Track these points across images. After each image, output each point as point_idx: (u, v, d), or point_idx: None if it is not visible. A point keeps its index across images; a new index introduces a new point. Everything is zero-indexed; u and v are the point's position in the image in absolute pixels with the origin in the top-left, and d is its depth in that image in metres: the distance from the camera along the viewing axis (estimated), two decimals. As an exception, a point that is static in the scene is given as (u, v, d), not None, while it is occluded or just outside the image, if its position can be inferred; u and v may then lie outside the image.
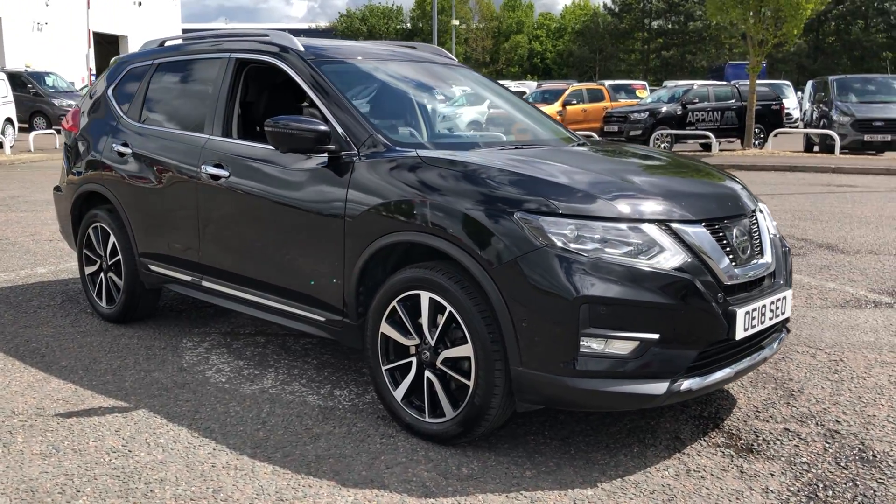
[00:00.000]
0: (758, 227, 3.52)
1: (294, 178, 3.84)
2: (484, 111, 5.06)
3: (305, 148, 3.69)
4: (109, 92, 5.27)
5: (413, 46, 5.14)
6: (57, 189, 5.64)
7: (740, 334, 3.16)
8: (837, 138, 18.24)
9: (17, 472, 3.10)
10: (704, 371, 3.13)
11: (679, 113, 21.09)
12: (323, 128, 3.66)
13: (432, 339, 3.31)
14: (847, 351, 4.59)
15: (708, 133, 19.74)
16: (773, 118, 21.53)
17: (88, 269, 5.29)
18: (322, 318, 3.81)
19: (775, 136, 20.31)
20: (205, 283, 4.45)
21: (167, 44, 5.16)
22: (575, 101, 25.54)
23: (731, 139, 21.25)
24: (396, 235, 3.39)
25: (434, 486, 3.00)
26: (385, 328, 3.48)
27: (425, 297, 3.30)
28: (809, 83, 25.33)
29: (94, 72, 36.29)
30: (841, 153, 18.19)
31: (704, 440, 3.43)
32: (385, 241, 3.43)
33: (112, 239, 5.01)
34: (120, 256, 4.98)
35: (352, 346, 3.82)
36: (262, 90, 4.75)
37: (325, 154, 3.71)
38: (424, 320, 3.33)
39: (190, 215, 4.42)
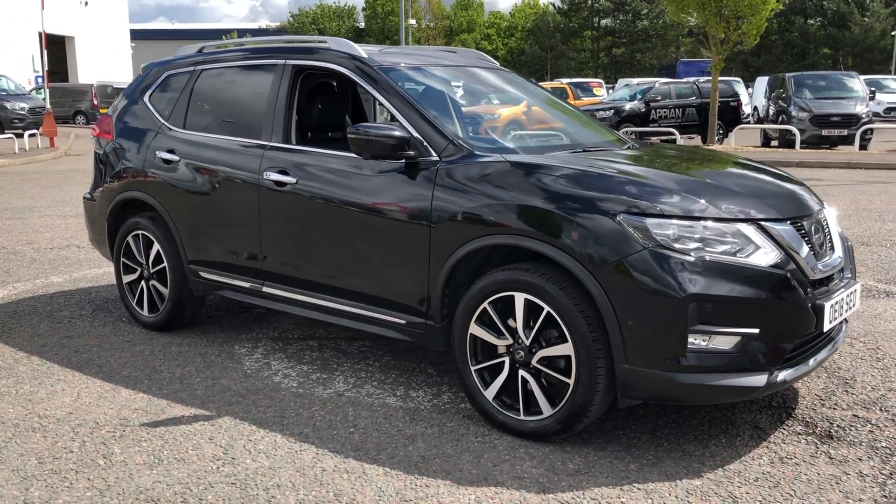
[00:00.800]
0: (827, 224, 3.69)
1: (372, 184, 3.89)
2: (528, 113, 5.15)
3: (386, 154, 3.74)
4: (146, 99, 5.22)
5: (453, 51, 5.22)
6: (88, 198, 5.56)
7: (826, 326, 3.32)
8: (798, 133, 18.84)
9: (129, 484, 3.10)
10: (795, 362, 3.28)
11: (643, 110, 21.54)
12: (403, 134, 3.73)
13: (527, 339, 3.40)
14: (881, 339, 4.81)
15: (672, 129, 20.18)
16: (731, 114, 22.16)
17: (127, 278, 5.24)
18: (402, 321, 3.86)
19: (736, 131, 20.87)
20: (266, 289, 4.46)
21: (206, 50, 5.14)
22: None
23: (692, 135, 21.77)
24: (490, 239, 3.46)
25: (547, 482, 3.10)
26: (475, 329, 3.56)
27: (520, 298, 3.38)
28: (763, 80, 26.05)
29: (40, 73, 35.33)
30: (801, 148, 18.79)
31: (784, 429, 3.58)
32: (477, 245, 3.50)
33: (156, 247, 4.98)
34: (165, 264, 4.95)
35: (432, 348, 3.88)
36: (313, 96, 4.77)
37: (403, 160, 3.77)
38: (519, 321, 3.41)
39: (250, 222, 4.42)
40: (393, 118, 3.96)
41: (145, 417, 3.75)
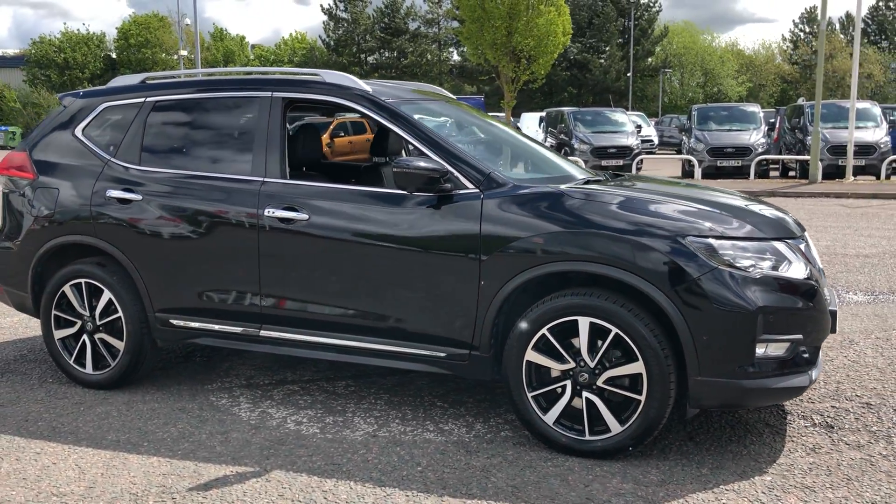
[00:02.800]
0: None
1: (405, 218, 3.84)
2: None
3: (425, 188, 3.74)
4: (78, 133, 4.72)
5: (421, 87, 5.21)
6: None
7: (837, 328, 3.80)
8: (582, 163, 20.51)
9: (238, 552, 2.82)
10: (818, 362, 3.72)
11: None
12: (442, 167, 3.75)
13: (591, 361, 3.55)
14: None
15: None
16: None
17: (61, 333, 4.67)
18: (442, 354, 3.84)
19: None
20: (263, 333, 4.20)
21: (150, 81, 4.76)
22: (342, 133, 25.88)
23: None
24: (551, 266, 3.56)
25: (647, 496, 3.25)
26: (531, 355, 3.64)
27: (584, 321, 3.53)
28: (532, 115, 27.89)
29: None
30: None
31: (791, 424, 4.01)
32: (535, 273, 3.59)
33: (106, 296, 4.50)
34: (120, 314, 4.48)
35: (474, 379, 3.90)
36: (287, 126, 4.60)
37: (439, 193, 3.78)
38: (583, 344, 3.55)
39: (245, 262, 4.16)
40: (419, 152, 3.95)
41: (184, 482, 3.41)
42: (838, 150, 19.09)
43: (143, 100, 4.62)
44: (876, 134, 19.89)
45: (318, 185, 4.13)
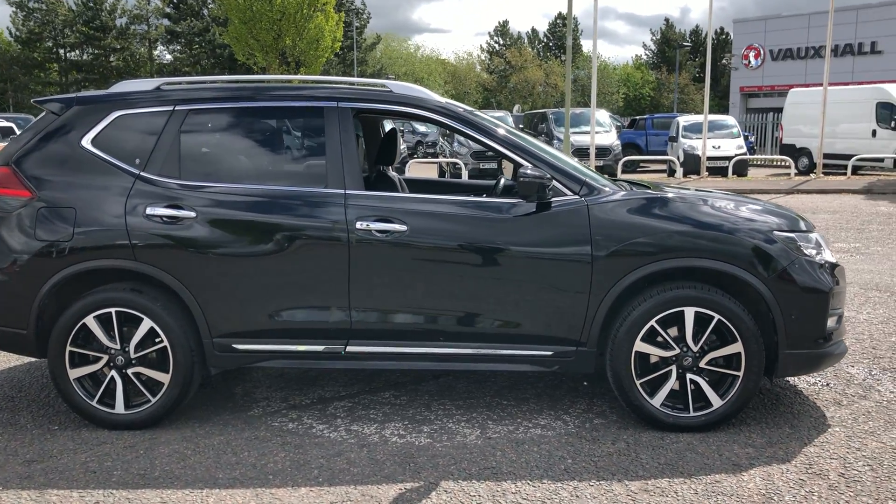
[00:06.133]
0: None
1: (512, 227, 4.00)
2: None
3: (540, 195, 3.96)
4: (86, 144, 4.18)
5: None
6: (-10, 272, 4.13)
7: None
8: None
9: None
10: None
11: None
12: (548, 175, 3.98)
13: (695, 345, 4.01)
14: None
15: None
16: None
17: (79, 372, 4.11)
18: (549, 353, 4.06)
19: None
20: (350, 349, 4.09)
21: (167, 87, 4.34)
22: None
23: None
24: (661, 264, 3.95)
25: (771, 454, 3.78)
26: (640, 346, 4.02)
27: (690, 311, 3.98)
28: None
29: None
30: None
31: (809, 394, 4.80)
32: (646, 271, 3.95)
33: (147, 324, 4.05)
34: (165, 343, 4.08)
35: (578, 372, 4.17)
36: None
37: (541, 200, 4.01)
38: (688, 331, 4.00)
39: (332, 277, 4.02)
40: (514, 163, 4.13)
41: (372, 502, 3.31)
42: (580, 152, 21.41)
43: (170, 108, 4.22)
44: (609, 138, 22.63)
45: (414, 196, 4.13)
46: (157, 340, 4.09)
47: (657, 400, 4.05)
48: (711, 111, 23.24)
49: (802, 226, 4.23)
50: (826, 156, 21.90)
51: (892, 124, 21.95)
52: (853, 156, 21.06)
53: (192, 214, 4.04)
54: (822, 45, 38.94)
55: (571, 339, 4.06)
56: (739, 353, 3.99)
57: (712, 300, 3.95)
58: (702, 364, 4.02)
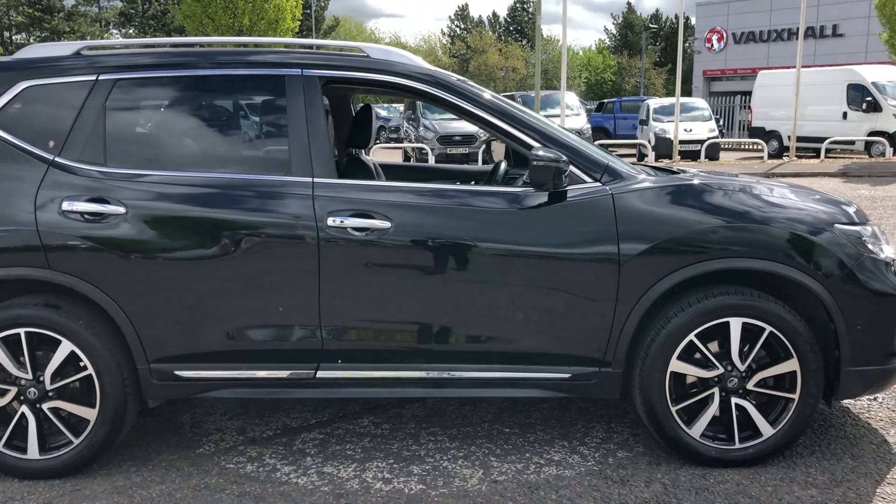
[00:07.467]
0: None
1: (518, 221, 3.25)
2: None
3: (556, 182, 3.21)
4: (-15, 122, 3.33)
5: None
6: None
7: None
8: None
9: None
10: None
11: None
12: (564, 158, 3.23)
13: (742, 363, 3.31)
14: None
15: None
16: None
17: (-23, 408, 3.29)
18: (566, 376, 3.33)
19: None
20: (322, 374, 3.32)
21: (88, 51, 3.50)
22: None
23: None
24: (708, 264, 3.22)
25: (833, 497, 3.11)
26: (676, 366, 3.30)
27: (736, 322, 3.27)
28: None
29: None
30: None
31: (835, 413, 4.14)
32: (689, 273, 3.22)
33: (67, 348, 3.24)
34: (90, 371, 3.26)
35: (600, 398, 3.45)
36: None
37: (554, 189, 3.27)
38: (734, 347, 3.29)
39: (298, 286, 3.24)
40: (521, 144, 3.37)
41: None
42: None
43: (93, 77, 3.38)
44: (579, 121, 21.97)
45: (399, 185, 3.35)
46: (80, 367, 3.27)
47: (696, 430, 3.34)
48: (673, 95, 22.72)
49: (863, 216, 3.54)
50: (797, 139, 21.51)
51: (864, 106, 21.62)
52: (824, 138, 20.69)
53: (122, 210, 3.22)
54: (785, 28, 38.95)
55: (593, 357, 3.33)
56: (794, 372, 3.30)
57: (763, 308, 3.25)
58: (749, 385, 3.33)
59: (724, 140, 24.28)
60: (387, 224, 3.22)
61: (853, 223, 3.41)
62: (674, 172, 3.75)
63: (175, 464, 3.46)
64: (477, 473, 3.33)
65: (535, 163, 3.14)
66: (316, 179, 3.27)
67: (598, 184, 3.32)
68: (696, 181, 3.42)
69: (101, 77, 3.38)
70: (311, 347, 3.30)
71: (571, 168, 3.31)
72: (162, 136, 3.44)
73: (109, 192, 3.24)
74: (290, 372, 3.32)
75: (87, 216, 3.21)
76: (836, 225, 3.34)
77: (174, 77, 3.41)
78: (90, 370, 3.26)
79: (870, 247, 3.36)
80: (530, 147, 3.32)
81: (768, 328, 3.26)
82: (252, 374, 3.33)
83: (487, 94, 3.48)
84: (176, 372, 3.31)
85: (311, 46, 4.01)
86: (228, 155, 3.41)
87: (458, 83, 3.47)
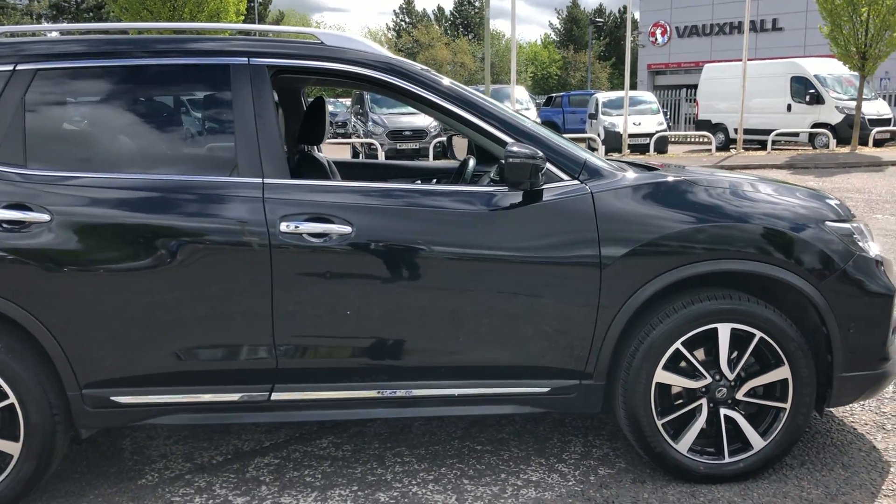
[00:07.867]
0: None
1: (492, 223, 2.98)
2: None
3: (533, 180, 2.94)
4: None
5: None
6: None
7: None
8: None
9: None
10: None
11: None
12: (541, 154, 2.96)
13: (732, 372, 3.09)
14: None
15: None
16: None
17: None
18: (544, 390, 3.07)
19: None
20: (276, 396, 3.00)
21: (17, 38, 3.12)
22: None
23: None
24: (695, 267, 2.99)
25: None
26: (662, 376, 3.07)
27: (724, 329, 3.05)
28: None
29: None
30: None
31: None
32: (676, 276, 2.98)
33: (-16, 374, 2.87)
34: (13, 400, 2.89)
35: (580, 413, 3.20)
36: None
37: (529, 189, 3.00)
38: (723, 354, 3.08)
39: (249, 298, 2.91)
40: (493, 140, 3.09)
41: None
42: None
43: (9, 67, 3.00)
44: (529, 115, 21.82)
45: (360, 186, 3.03)
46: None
47: (683, 444, 3.11)
48: (619, 89, 22.76)
49: (847, 211, 3.35)
50: (743, 131, 21.70)
51: (807, 98, 21.92)
52: (769, 131, 20.91)
53: (46, 218, 2.85)
54: (727, 22, 39.48)
55: (573, 369, 3.08)
56: (786, 380, 3.10)
57: (752, 313, 3.04)
58: (738, 395, 3.11)
59: (672, 133, 24.36)
60: (347, 229, 2.91)
61: (841, 219, 3.22)
62: (651, 168, 3.51)
63: (113, 499, 3.11)
64: (450, 500, 3.05)
65: (510, 160, 2.86)
66: (266, 180, 2.94)
67: (576, 182, 3.06)
68: (681, 178, 3.19)
69: (18, 66, 2.99)
70: (264, 367, 2.98)
71: (548, 165, 3.05)
72: (92, 133, 3.08)
73: (31, 198, 2.86)
74: (241, 395, 2.99)
75: (4, 225, 2.84)
76: (827, 222, 3.14)
77: (105, 67, 3.04)
78: (12, 399, 2.89)
79: (860, 244, 3.17)
80: (503, 143, 3.04)
81: (758, 334, 3.05)
82: (199, 397, 2.99)
83: (456, 86, 3.19)
84: (112, 398, 2.96)
85: (257, 33, 3.67)
86: (167, 154, 3.06)
87: (423, 72, 3.18)
